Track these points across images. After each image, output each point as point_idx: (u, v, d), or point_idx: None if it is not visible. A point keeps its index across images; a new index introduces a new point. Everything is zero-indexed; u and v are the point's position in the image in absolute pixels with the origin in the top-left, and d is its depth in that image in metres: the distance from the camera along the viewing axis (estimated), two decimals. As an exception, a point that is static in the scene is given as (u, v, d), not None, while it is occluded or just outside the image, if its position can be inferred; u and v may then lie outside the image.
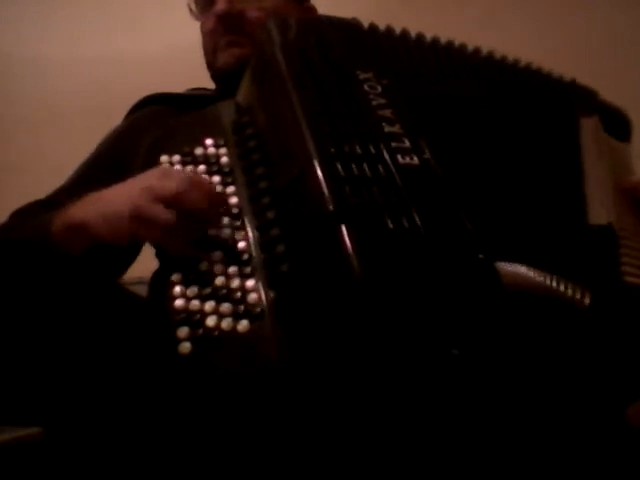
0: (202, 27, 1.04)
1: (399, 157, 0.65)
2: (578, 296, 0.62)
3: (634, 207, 0.78)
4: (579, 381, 0.67)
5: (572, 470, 0.66)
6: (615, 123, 0.90)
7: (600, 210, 0.74)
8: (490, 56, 0.89)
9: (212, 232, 0.69)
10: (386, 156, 0.65)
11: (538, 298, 0.62)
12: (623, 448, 0.68)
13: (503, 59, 0.90)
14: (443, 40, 0.87)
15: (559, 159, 0.81)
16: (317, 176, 0.61)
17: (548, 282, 0.62)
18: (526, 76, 0.91)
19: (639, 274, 0.71)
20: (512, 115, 0.82)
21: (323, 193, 0.60)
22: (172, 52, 1.83)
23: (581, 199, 0.76)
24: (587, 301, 0.62)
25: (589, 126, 0.86)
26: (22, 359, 0.69)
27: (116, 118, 1.06)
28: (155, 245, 0.74)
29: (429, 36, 0.86)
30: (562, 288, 0.62)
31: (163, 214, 0.66)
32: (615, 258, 0.71)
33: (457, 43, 0.88)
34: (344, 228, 0.57)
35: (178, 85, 1.09)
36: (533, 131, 0.82)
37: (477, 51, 0.89)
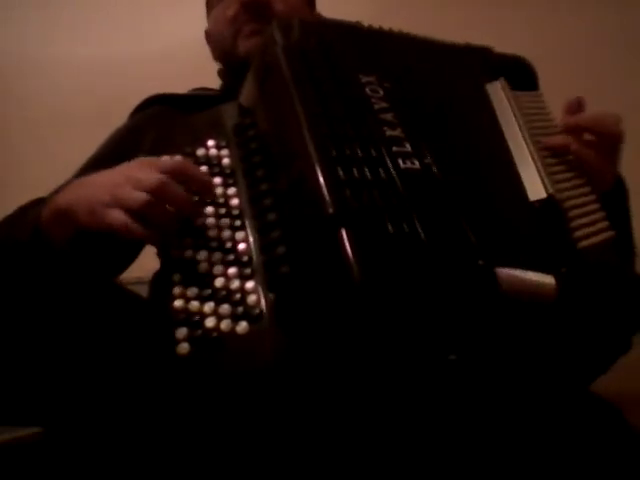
0: (220, 13, 1.03)
1: (400, 161, 0.65)
2: (543, 280, 0.62)
3: (566, 162, 0.76)
4: (569, 372, 0.68)
5: (571, 469, 0.67)
6: (520, 75, 0.85)
7: (536, 184, 0.72)
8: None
9: (212, 233, 0.69)
10: (387, 160, 0.65)
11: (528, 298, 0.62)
12: (623, 448, 0.69)
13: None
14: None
15: (495, 142, 0.78)
16: (318, 179, 0.61)
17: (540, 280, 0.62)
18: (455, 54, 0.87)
19: (589, 233, 0.70)
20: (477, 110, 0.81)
21: (323, 196, 0.60)
22: (172, 52, 1.84)
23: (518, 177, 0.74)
24: (552, 282, 0.62)
25: (496, 92, 0.81)
26: (21, 358, 0.69)
27: (116, 118, 1.06)
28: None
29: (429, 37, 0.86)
30: (529, 277, 0.62)
31: (134, 194, 0.65)
32: (565, 227, 0.70)
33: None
34: (344, 232, 0.57)
35: (178, 85, 1.08)
36: (483, 120, 0.80)
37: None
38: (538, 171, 0.72)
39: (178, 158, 0.73)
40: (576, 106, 0.77)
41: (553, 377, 0.68)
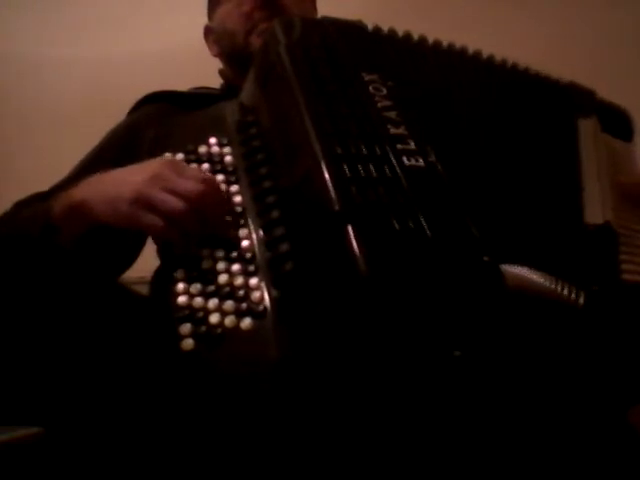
0: (233, 9, 1.04)
1: (405, 159, 0.65)
2: (573, 296, 0.62)
3: (633, 204, 0.79)
4: (578, 380, 0.68)
5: (572, 470, 0.67)
6: (616, 122, 0.91)
7: (596, 209, 0.74)
8: (490, 59, 0.90)
9: (215, 230, 0.69)
10: (392, 157, 0.65)
11: (539, 299, 0.62)
12: (624, 448, 0.68)
13: (503, 62, 0.90)
14: (445, 42, 0.87)
15: (557, 161, 0.81)
16: (323, 176, 0.61)
17: (547, 283, 0.62)
18: (525, 79, 0.91)
19: (638, 271, 0.71)
20: (513, 119, 0.83)
21: (329, 193, 0.60)
22: (172, 53, 1.83)
23: (578, 200, 0.76)
24: (581, 300, 0.62)
25: (587, 127, 0.86)
26: (22, 358, 0.69)
27: (115, 118, 1.06)
28: (157, 242, 0.74)
29: (431, 39, 0.86)
30: (559, 289, 0.62)
31: (171, 201, 0.65)
32: (614, 256, 0.71)
33: (458, 45, 0.88)
34: (350, 228, 0.57)
35: (178, 86, 1.08)
36: (533, 134, 0.82)
37: (477, 54, 0.89)
38: (603, 200, 0.75)
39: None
40: None
41: (565, 387, 0.68)
